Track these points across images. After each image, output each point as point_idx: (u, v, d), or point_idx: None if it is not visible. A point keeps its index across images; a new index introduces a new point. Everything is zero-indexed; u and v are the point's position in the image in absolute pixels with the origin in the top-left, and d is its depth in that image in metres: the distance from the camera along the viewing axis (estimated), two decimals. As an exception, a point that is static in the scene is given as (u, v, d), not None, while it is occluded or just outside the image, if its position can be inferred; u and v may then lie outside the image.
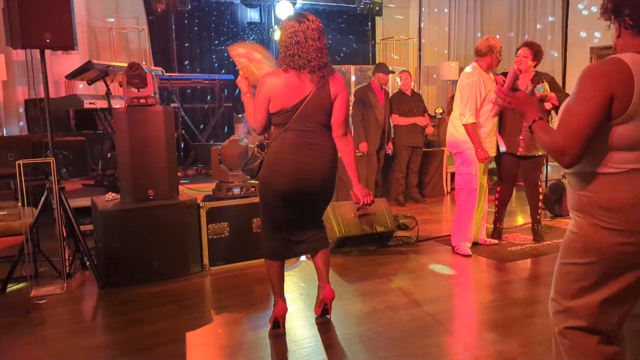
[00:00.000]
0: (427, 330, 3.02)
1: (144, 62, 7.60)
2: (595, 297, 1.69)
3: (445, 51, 9.43)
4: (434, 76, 9.44)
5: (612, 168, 1.62)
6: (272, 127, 2.86)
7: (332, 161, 2.84)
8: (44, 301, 3.57)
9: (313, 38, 2.66)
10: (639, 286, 1.69)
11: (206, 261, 4.15)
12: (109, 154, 5.84)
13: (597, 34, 8.17)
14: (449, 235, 4.97)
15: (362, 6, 8.48)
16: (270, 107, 2.75)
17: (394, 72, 6.93)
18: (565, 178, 2.40)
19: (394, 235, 4.93)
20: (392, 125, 6.66)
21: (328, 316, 3.17)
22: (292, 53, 2.67)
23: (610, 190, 1.62)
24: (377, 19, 8.89)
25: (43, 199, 3.85)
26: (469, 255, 4.39)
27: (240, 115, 7.25)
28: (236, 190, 4.29)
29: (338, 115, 2.80)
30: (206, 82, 7.44)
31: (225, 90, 7.58)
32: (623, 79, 1.54)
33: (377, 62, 8.09)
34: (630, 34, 1.65)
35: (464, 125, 4.23)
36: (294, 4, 8.13)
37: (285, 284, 3.08)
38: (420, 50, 9.30)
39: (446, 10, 9.35)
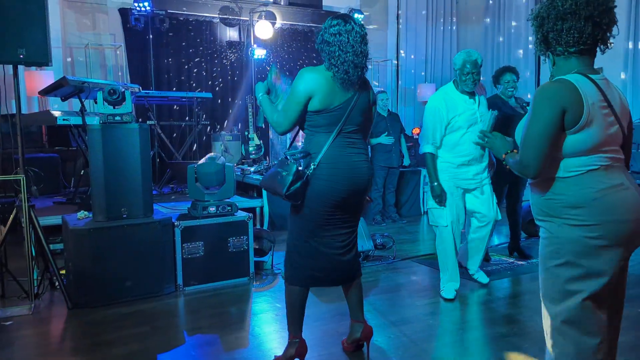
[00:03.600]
0: (403, 351, 2.99)
1: (120, 80, 7.54)
2: (581, 295, 1.78)
3: (422, 72, 9.58)
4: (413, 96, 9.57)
5: (572, 172, 1.80)
6: (304, 130, 2.69)
7: (369, 160, 2.77)
8: (10, 322, 3.45)
9: (356, 40, 2.57)
10: (617, 281, 1.79)
11: (180, 281, 4.07)
12: (82, 171, 5.73)
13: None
14: (427, 254, 5.00)
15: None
16: (310, 105, 2.58)
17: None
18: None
19: (371, 254, 4.92)
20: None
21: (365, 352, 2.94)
22: (335, 51, 2.56)
23: (575, 190, 1.79)
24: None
25: (12, 216, 3.75)
26: (451, 300, 3.81)
27: (217, 132, 7.22)
28: (212, 209, 4.24)
29: (369, 122, 2.78)
30: (184, 99, 7.41)
31: (202, 115, 7.55)
32: (572, 95, 1.75)
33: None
34: (562, 59, 1.87)
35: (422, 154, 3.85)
36: (274, 23, 8.19)
37: (259, 303, 3.03)
38: (397, 71, 9.43)
39: (423, 29, 9.51)
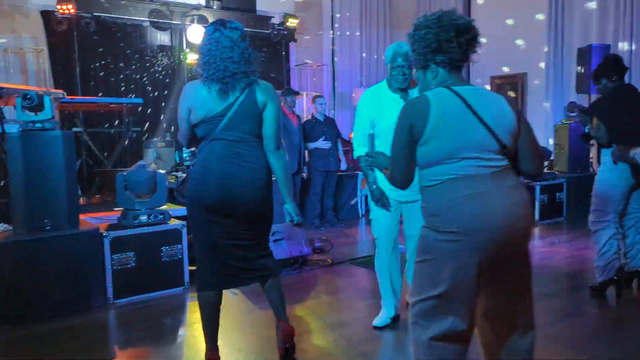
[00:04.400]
0: (342, 353, 2.99)
1: (43, 85, 7.16)
2: (434, 293, 1.86)
3: (358, 77, 9.71)
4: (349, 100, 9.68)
5: (432, 181, 1.91)
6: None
7: (264, 174, 2.69)
8: None
9: (225, 47, 2.55)
10: (472, 286, 1.85)
11: (110, 294, 3.89)
12: (2, 181, 5.39)
13: (502, 66, 8.77)
14: (365, 257, 5.03)
15: (276, 32, 8.55)
16: (191, 118, 2.62)
17: (298, 93, 7.05)
18: None
19: (310, 259, 4.91)
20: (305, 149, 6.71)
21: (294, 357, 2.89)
22: (208, 61, 2.57)
23: (433, 199, 1.90)
24: (291, 45, 9.00)
25: None
26: (379, 327, 3.36)
27: (148, 139, 7.00)
28: (143, 218, 4.09)
29: (267, 126, 2.68)
30: (113, 105, 7.13)
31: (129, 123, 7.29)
32: (420, 110, 1.87)
33: (289, 87, 8.17)
34: (444, 72, 1.96)
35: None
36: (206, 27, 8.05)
37: (195, 313, 2.94)
38: (334, 76, 9.51)
39: (357, 34, 9.64)
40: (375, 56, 9.82)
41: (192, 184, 2.65)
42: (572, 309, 3.69)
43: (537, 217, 6.60)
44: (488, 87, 8.79)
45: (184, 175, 6.03)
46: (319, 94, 7.90)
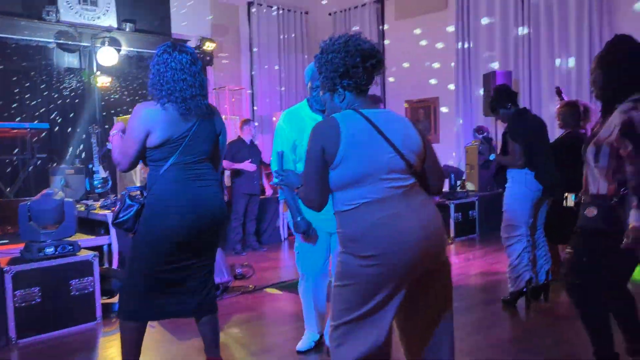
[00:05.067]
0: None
1: None
2: (354, 316, 1.88)
3: (278, 101, 9.74)
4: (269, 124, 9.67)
5: (347, 205, 1.92)
6: (147, 166, 2.59)
7: (220, 191, 2.68)
8: None
9: (174, 68, 2.49)
10: (393, 305, 1.89)
11: (12, 333, 3.57)
12: None
13: (415, 90, 9.14)
14: (288, 281, 4.98)
15: (192, 55, 8.42)
16: (148, 142, 2.50)
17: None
18: None
19: (231, 286, 4.78)
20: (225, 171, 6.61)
21: None
22: (159, 81, 2.50)
23: (350, 224, 1.91)
24: (209, 68, 8.89)
25: None
26: (303, 352, 3.29)
27: (56, 166, 6.59)
28: (49, 250, 3.81)
29: (221, 149, 2.70)
30: (14, 131, 6.65)
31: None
32: (331, 133, 1.89)
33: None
34: (351, 95, 1.99)
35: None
36: (119, 50, 7.78)
37: (109, 349, 2.76)
38: (253, 99, 9.48)
39: (276, 57, 9.70)
40: (295, 80, 9.92)
41: (157, 217, 2.50)
42: (487, 321, 3.84)
43: (452, 234, 6.87)
44: (403, 111, 9.13)
45: (112, 203, 5.71)
46: (248, 118, 7.85)
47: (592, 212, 2.44)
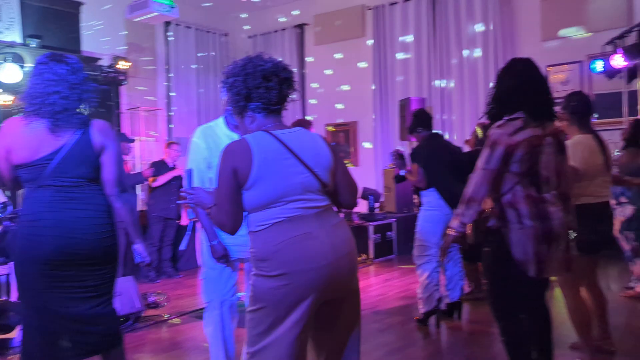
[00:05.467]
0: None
1: None
2: (269, 340, 1.84)
3: (196, 123, 9.52)
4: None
5: (260, 226, 1.89)
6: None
7: (106, 218, 2.44)
8: None
9: (49, 79, 2.32)
10: (307, 324, 1.87)
11: None
12: None
13: (335, 114, 9.27)
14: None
15: (105, 75, 8.08)
16: (12, 159, 2.31)
17: (133, 141, 6.74)
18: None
19: (142, 315, 4.53)
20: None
21: None
22: (31, 94, 2.34)
23: (261, 244, 1.89)
24: (123, 88, 8.56)
25: None
26: None
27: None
28: None
29: (107, 171, 2.44)
30: None
31: None
32: (243, 154, 1.87)
33: (121, 132, 7.72)
34: (261, 116, 1.97)
35: None
36: (23, 67, 7.31)
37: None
38: (169, 121, 9.22)
39: (194, 78, 9.52)
40: (213, 101, 9.77)
41: (21, 239, 2.33)
42: (403, 341, 3.88)
43: (371, 255, 6.96)
44: (323, 134, 9.23)
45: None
46: (174, 141, 7.56)
47: (467, 230, 2.52)
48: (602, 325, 3.33)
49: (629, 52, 6.04)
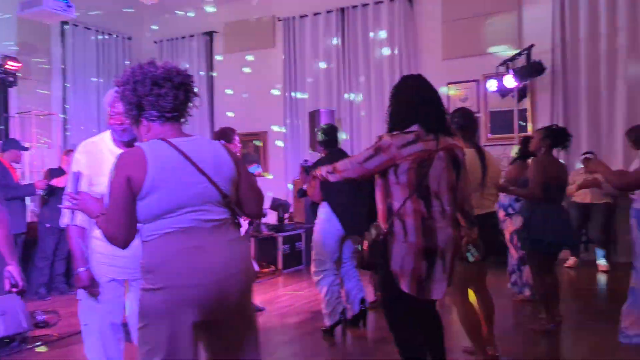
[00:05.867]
0: None
1: None
2: (158, 358, 1.75)
3: (94, 129, 8.99)
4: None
5: (150, 235, 1.80)
6: None
7: None
8: None
9: None
10: (192, 343, 1.78)
11: None
12: None
13: (245, 123, 9.14)
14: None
15: (-8, 75, 7.42)
16: None
17: (27, 149, 6.24)
18: None
19: (30, 335, 4.15)
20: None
21: None
22: None
23: (149, 254, 1.80)
24: (12, 91, 7.90)
25: None
26: None
27: None
28: None
29: None
30: None
31: None
32: (137, 163, 1.77)
33: (9, 137, 7.10)
34: (157, 125, 1.89)
35: None
36: None
37: None
38: (64, 126, 8.62)
39: (94, 82, 9.01)
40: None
41: None
42: (308, 351, 3.86)
43: (280, 266, 6.91)
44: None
45: None
46: (71, 149, 7.02)
47: (365, 246, 2.62)
48: (489, 328, 3.47)
49: (519, 74, 6.53)
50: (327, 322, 4.06)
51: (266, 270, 6.84)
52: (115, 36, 9.40)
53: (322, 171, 2.69)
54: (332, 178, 2.64)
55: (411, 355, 2.59)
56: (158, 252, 1.77)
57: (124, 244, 1.83)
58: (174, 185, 1.78)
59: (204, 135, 9.20)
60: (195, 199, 1.80)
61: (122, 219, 1.78)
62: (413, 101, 2.55)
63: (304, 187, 4.31)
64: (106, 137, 2.54)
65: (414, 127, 2.50)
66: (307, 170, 4.31)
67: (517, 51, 6.83)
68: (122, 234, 1.80)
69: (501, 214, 5.02)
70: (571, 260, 6.46)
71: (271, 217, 7.23)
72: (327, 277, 4.05)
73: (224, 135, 4.97)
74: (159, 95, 1.83)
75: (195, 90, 1.96)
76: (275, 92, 8.91)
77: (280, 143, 8.92)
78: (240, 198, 1.97)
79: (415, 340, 2.61)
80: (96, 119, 9.04)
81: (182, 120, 1.95)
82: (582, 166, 6.21)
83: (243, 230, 5.04)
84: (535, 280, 4.12)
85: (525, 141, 4.85)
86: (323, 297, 4.07)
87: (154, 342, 1.76)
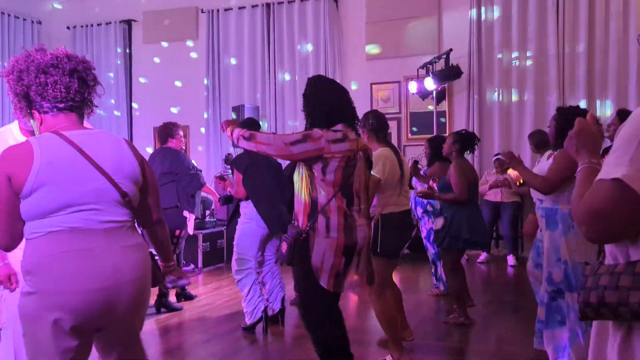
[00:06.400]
0: None
1: None
2: None
3: (1, 122, 8.37)
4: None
5: (34, 233, 1.65)
6: None
7: None
8: None
9: None
10: (74, 352, 1.67)
11: None
12: None
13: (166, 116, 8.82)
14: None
15: None
16: None
17: None
18: None
19: None
20: None
21: None
22: None
23: (29, 254, 1.65)
24: None
25: None
26: None
27: None
28: None
29: None
30: None
31: None
32: (21, 158, 1.63)
33: None
34: (49, 116, 1.74)
35: None
36: None
37: None
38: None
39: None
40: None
41: None
42: (230, 349, 3.79)
43: (200, 264, 6.74)
44: (150, 138, 8.77)
45: None
46: None
47: (284, 247, 2.54)
48: (401, 316, 3.63)
49: (438, 77, 6.78)
50: (248, 321, 4.01)
51: (149, 288, 6.61)
52: (23, 19, 8.77)
53: (236, 133, 2.56)
54: (244, 144, 2.52)
55: (337, 353, 2.59)
56: (40, 253, 1.63)
57: (6, 248, 1.71)
58: (64, 182, 1.64)
59: (120, 129, 8.81)
60: (88, 197, 1.66)
61: (4, 221, 1.64)
62: (339, 101, 2.61)
63: (228, 192, 4.19)
64: (14, 126, 2.50)
65: (339, 127, 2.54)
66: (223, 179, 4.23)
67: (437, 55, 7.08)
68: (4, 238, 1.66)
69: (419, 211, 5.18)
70: (483, 256, 6.80)
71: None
72: (250, 276, 4.00)
73: (167, 129, 4.78)
74: (47, 84, 1.68)
75: (93, 76, 1.80)
76: (197, 84, 8.68)
77: (202, 137, 8.70)
78: (144, 200, 1.85)
79: (338, 336, 2.61)
80: (4, 108, 8.41)
81: (86, 111, 1.82)
82: (494, 166, 6.60)
83: (190, 226, 4.83)
84: (449, 277, 4.28)
85: (434, 141, 5.05)
86: (245, 295, 4.01)
87: (37, 352, 1.66)
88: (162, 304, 4.70)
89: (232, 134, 2.60)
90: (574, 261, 2.94)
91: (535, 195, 3.24)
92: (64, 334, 1.62)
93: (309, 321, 2.62)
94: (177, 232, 4.62)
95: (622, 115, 4.03)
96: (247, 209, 4.01)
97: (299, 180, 2.58)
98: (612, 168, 1.11)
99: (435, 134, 7.06)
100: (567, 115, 3.09)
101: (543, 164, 3.22)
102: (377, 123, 3.47)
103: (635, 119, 1.14)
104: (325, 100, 2.62)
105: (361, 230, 2.53)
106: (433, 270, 5.24)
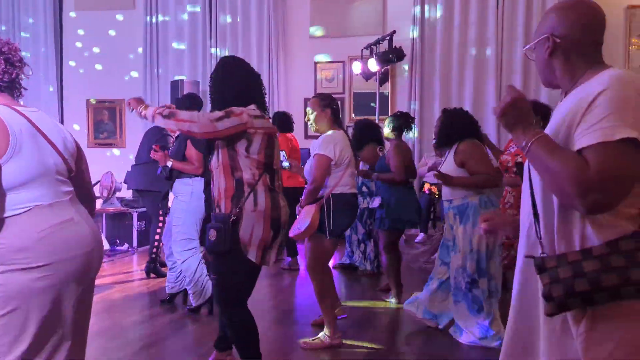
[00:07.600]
0: None
1: None
2: (25, 345, 1.67)
3: None
4: None
5: (14, 210, 1.69)
6: None
7: None
8: None
9: None
10: (68, 315, 1.78)
11: None
12: None
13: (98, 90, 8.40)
14: None
15: None
16: None
17: None
18: None
19: None
20: None
21: None
22: None
23: (17, 232, 1.68)
24: None
25: None
26: None
27: None
28: None
29: None
30: None
31: None
32: None
33: None
34: None
35: None
36: None
37: None
38: None
39: None
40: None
41: None
42: (164, 333, 3.69)
43: (135, 244, 6.55)
44: (83, 110, 8.37)
45: None
46: None
47: (213, 235, 2.47)
48: (334, 293, 3.63)
49: (381, 58, 6.78)
50: (195, 302, 3.91)
51: (120, 248, 6.43)
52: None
53: (151, 111, 2.44)
54: (160, 122, 2.43)
55: (253, 334, 2.59)
56: (31, 229, 1.69)
57: None
58: (34, 155, 1.72)
59: (52, 102, 8.33)
60: (51, 170, 1.77)
61: None
62: (250, 81, 2.63)
63: (169, 165, 3.90)
64: None
65: (252, 107, 2.56)
66: (163, 148, 4.04)
67: (380, 37, 7.07)
68: None
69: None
70: (420, 237, 6.95)
71: (126, 192, 6.75)
72: (195, 256, 3.88)
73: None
74: None
75: (19, 57, 1.82)
76: (134, 56, 8.30)
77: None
78: (80, 177, 1.96)
79: (250, 318, 2.60)
80: None
81: (15, 93, 1.84)
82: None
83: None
84: (388, 257, 4.34)
85: (359, 125, 5.15)
86: (191, 277, 3.87)
87: (19, 329, 1.66)
88: (152, 269, 5.13)
89: (143, 112, 2.47)
90: (481, 251, 3.28)
91: (445, 197, 3.51)
92: (71, 300, 1.76)
93: (229, 300, 2.56)
94: None
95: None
96: (183, 187, 3.87)
97: (217, 165, 2.53)
98: (616, 130, 1.12)
99: (377, 115, 7.09)
100: (452, 117, 3.56)
101: (449, 161, 3.51)
102: (337, 107, 3.49)
103: (616, 87, 1.18)
104: (236, 78, 2.60)
105: (282, 207, 2.58)
106: (362, 249, 5.32)
